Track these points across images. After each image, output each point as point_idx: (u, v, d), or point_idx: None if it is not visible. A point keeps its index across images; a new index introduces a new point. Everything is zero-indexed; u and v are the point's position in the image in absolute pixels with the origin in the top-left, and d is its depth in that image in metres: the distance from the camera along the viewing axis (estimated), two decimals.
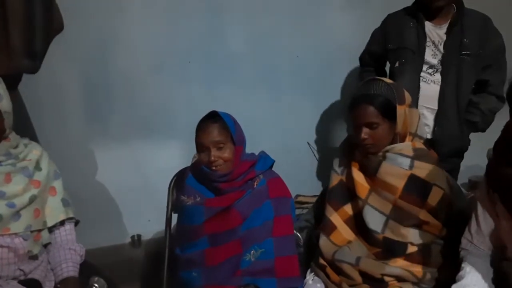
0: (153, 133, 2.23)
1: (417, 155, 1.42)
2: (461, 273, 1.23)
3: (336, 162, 1.59)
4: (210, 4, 2.23)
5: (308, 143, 2.52)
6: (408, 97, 1.47)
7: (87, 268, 1.44)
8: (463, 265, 1.23)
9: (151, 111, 2.22)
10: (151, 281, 2.08)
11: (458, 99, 1.86)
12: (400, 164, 1.42)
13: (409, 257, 1.41)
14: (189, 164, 1.74)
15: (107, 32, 2.11)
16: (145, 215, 2.24)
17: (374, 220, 1.45)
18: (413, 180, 1.40)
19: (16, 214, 1.33)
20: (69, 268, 1.38)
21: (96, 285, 1.31)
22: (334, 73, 2.45)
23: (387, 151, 1.44)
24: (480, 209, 1.20)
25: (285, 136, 2.41)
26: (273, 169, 1.61)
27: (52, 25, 1.51)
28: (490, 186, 1.17)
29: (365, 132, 1.41)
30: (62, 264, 1.39)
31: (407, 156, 1.43)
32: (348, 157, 1.53)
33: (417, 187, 1.40)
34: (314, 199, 2.34)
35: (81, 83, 2.12)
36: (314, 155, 2.53)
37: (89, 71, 2.12)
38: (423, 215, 1.40)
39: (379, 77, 1.50)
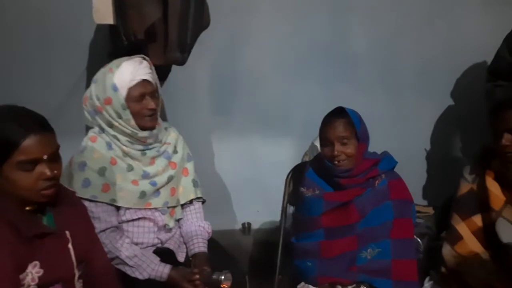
0: (270, 128, 2.34)
1: None
2: None
3: (467, 170, 1.50)
4: (337, 4, 2.26)
5: (425, 149, 2.40)
6: None
7: (214, 247, 1.56)
8: None
9: (270, 107, 2.33)
10: (259, 267, 2.17)
11: None
12: None
13: None
14: (299, 161, 1.80)
15: (237, 30, 2.27)
16: (255, 206, 2.35)
17: (509, 234, 1.34)
18: None
19: (156, 192, 1.49)
20: (200, 244, 1.51)
21: (223, 277, 1.35)
22: (461, 77, 2.30)
23: None
24: None
25: (401, 140, 2.32)
26: (395, 171, 1.58)
27: (203, 22, 1.67)
28: None
29: (507, 139, 1.32)
30: (193, 239, 1.53)
31: None
32: (483, 165, 1.44)
33: None
34: (428, 209, 2.23)
35: (210, 77, 2.32)
36: (433, 163, 2.40)
37: (218, 66, 2.31)
38: None
39: None
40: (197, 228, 1.56)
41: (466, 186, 1.48)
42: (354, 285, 1.45)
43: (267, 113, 2.35)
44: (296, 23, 2.31)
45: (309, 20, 2.30)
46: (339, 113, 1.52)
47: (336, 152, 1.48)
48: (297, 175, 1.74)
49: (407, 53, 2.32)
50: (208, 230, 1.58)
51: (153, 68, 1.48)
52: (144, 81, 1.42)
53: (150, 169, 1.49)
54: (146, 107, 1.43)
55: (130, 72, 1.41)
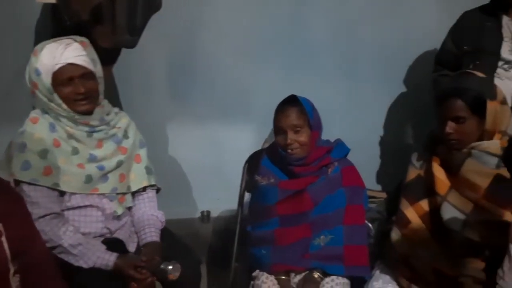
0: (230, 115, 2.31)
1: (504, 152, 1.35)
2: None
3: (415, 156, 1.55)
4: None
5: (380, 136, 2.46)
6: (500, 93, 1.39)
7: (167, 236, 1.54)
8: None
9: (230, 93, 2.30)
10: (217, 255, 2.18)
11: None
12: (486, 163, 1.35)
13: (488, 259, 1.35)
14: (260, 148, 1.80)
15: (195, 14, 2.21)
16: (215, 193, 2.33)
17: (453, 219, 1.40)
18: (499, 180, 1.33)
19: (104, 176, 1.45)
20: (152, 234, 1.48)
21: (171, 267, 1.33)
22: (415, 66, 2.36)
23: (473, 148, 1.38)
24: None
25: (357, 128, 2.36)
26: (347, 158, 1.61)
27: (153, 3, 1.61)
28: None
29: (450, 127, 1.37)
30: (145, 228, 1.50)
31: (494, 155, 1.36)
32: (429, 152, 1.49)
33: (503, 188, 1.32)
34: (381, 194, 2.30)
35: (168, 62, 2.25)
36: (386, 149, 2.47)
37: (176, 51, 2.24)
38: (508, 217, 1.33)
39: (471, 71, 1.44)
40: (149, 217, 1.52)
41: (414, 172, 1.52)
42: (307, 272, 1.48)
43: (227, 100, 2.33)
44: (257, 9, 2.28)
45: (270, 7, 2.27)
46: (292, 101, 1.53)
47: (289, 141, 1.49)
48: (254, 163, 1.75)
49: (365, 42, 2.34)
50: (161, 220, 1.55)
51: (89, 50, 1.41)
52: (71, 64, 1.36)
53: (98, 152, 1.44)
54: (75, 91, 1.38)
55: (53, 56, 1.35)
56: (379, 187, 2.45)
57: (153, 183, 1.57)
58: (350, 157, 1.64)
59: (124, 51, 1.82)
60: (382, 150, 2.48)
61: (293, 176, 1.54)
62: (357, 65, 2.35)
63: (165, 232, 1.54)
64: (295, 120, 1.49)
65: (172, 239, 1.54)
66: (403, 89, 2.42)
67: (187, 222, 2.34)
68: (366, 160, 2.45)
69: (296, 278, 1.49)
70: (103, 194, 1.44)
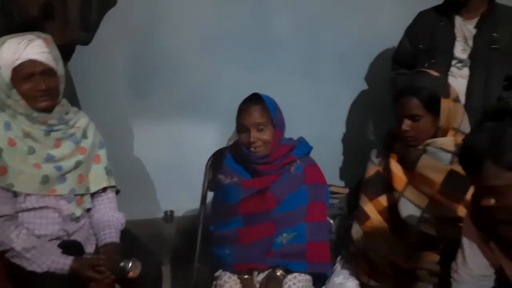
0: (193, 113, 2.29)
1: (458, 151, 1.40)
2: None
3: (374, 153, 1.58)
4: None
5: (343, 133, 2.51)
6: (454, 91, 1.45)
7: (127, 237, 1.50)
8: None
9: (193, 90, 2.27)
10: (181, 256, 2.15)
11: (486, 94, 1.83)
12: (440, 159, 1.40)
13: (443, 253, 1.40)
14: (225, 146, 1.78)
15: (156, 10, 2.16)
16: (179, 192, 2.30)
17: (409, 213, 1.44)
18: (453, 175, 1.38)
19: (62, 177, 1.40)
20: (112, 234, 1.45)
21: (130, 264, 1.32)
22: (377, 63, 2.41)
23: (428, 144, 1.42)
24: (466, 242, 1.21)
25: (321, 125, 2.40)
26: (310, 156, 1.62)
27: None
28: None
29: (406, 124, 1.40)
30: (105, 229, 1.46)
31: (448, 151, 1.41)
32: (387, 149, 1.53)
33: (456, 183, 1.38)
34: (345, 190, 2.34)
35: (127, 58, 2.20)
36: (349, 146, 2.52)
37: (136, 47, 2.19)
38: (461, 211, 1.38)
39: (425, 69, 1.48)
40: (109, 218, 1.49)
41: (373, 168, 1.56)
42: (270, 270, 1.48)
43: (190, 97, 2.30)
44: (218, 6, 2.26)
45: (231, 4, 2.26)
46: (255, 99, 1.52)
47: (252, 139, 1.48)
48: (217, 161, 1.73)
49: (327, 40, 2.37)
50: (121, 221, 1.51)
51: (52, 47, 1.37)
52: (33, 60, 1.32)
53: (55, 152, 1.39)
54: (35, 88, 1.33)
55: (14, 51, 1.31)
56: (342, 183, 2.49)
57: (113, 184, 1.53)
58: (313, 154, 1.65)
59: (81, 47, 1.76)
60: (345, 146, 2.53)
61: (256, 174, 1.53)
62: (319, 63, 2.38)
63: (125, 233, 1.50)
64: (258, 118, 1.49)
65: (132, 240, 1.50)
66: (364, 86, 2.47)
67: (150, 222, 2.30)
68: (329, 156, 2.49)
69: (259, 277, 1.49)
70: (60, 195, 1.39)
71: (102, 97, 2.17)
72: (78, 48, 1.77)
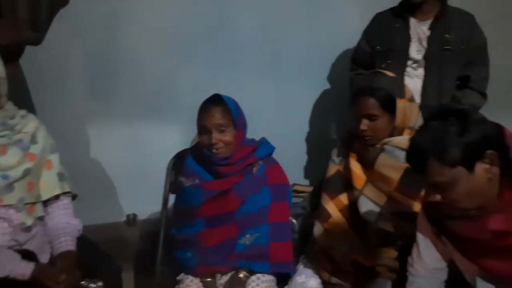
0: (156, 114, 2.24)
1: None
2: None
3: (334, 152, 1.61)
4: None
5: (307, 132, 2.53)
6: (408, 91, 1.49)
7: (85, 244, 1.46)
8: (407, 283, 1.28)
9: (155, 91, 2.23)
10: (145, 260, 2.11)
11: (440, 93, 1.90)
12: (397, 157, 1.44)
13: (401, 248, 1.44)
14: (189, 147, 1.76)
15: (115, 8, 2.10)
16: (142, 195, 2.25)
17: (369, 211, 1.47)
18: (409, 173, 1.41)
19: (10, 186, 1.33)
20: (68, 242, 1.39)
21: (93, 286, 1.29)
22: (338, 64, 2.45)
23: (385, 143, 1.46)
24: (420, 237, 1.25)
25: (286, 125, 2.41)
26: (272, 156, 1.63)
27: None
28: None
29: (364, 124, 1.43)
30: (60, 237, 1.40)
31: (404, 150, 1.43)
32: (347, 148, 1.56)
33: (412, 180, 1.42)
34: (310, 189, 2.37)
35: (85, 58, 2.12)
36: (313, 145, 2.55)
37: (95, 47, 2.12)
38: (417, 207, 1.43)
39: (382, 70, 1.52)
40: (64, 225, 1.42)
41: (333, 167, 1.58)
42: (233, 272, 1.48)
43: (152, 98, 2.25)
44: (181, 5, 2.23)
45: (194, 4, 2.23)
46: (216, 100, 1.51)
47: (214, 140, 1.47)
48: (179, 163, 1.71)
49: (290, 41, 2.38)
50: (78, 227, 1.46)
51: None
52: None
53: (2, 160, 1.32)
54: None
55: None
56: (307, 182, 2.52)
57: (66, 190, 1.47)
58: (278, 154, 1.66)
59: (37, 49, 1.68)
60: (309, 146, 2.56)
61: (218, 176, 1.52)
62: (282, 63, 2.39)
63: (82, 239, 1.45)
64: (220, 120, 1.48)
65: (90, 247, 1.45)
66: (326, 86, 2.50)
67: (112, 226, 2.24)
68: (294, 156, 2.52)
69: (222, 279, 1.48)
70: (9, 205, 1.32)
71: (58, 99, 2.09)
72: (33, 48, 1.69)
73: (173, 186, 1.68)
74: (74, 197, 1.52)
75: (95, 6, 2.06)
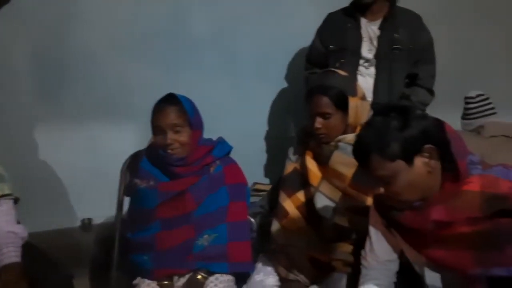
0: (110, 114, 2.18)
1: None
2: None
3: (291, 151, 1.63)
4: None
5: (266, 131, 2.55)
6: (360, 89, 1.53)
7: (32, 253, 1.38)
8: (361, 275, 1.33)
9: (108, 91, 2.16)
10: (100, 266, 2.04)
11: (391, 91, 1.97)
12: (350, 154, 1.44)
13: (356, 242, 1.48)
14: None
15: (66, 6, 2.03)
16: (97, 199, 2.18)
17: (324, 207, 1.50)
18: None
19: None
20: (11, 254, 1.32)
21: None
22: (295, 63, 2.47)
23: (339, 140, 1.49)
24: (372, 230, 1.30)
25: (245, 123, 2.41)
26: (232, 155, 1.61)
27: None
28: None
29: (318, 122, 1.46)
30: (2, 249, 1.33)
31: None
32: (303, 146, 1.57)
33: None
34: (268, 187, 2.39)
35: (34, 58, 2.03)
36: (273, 143, 2.56)
37: (44, 46, 2.03)
38: (370, 202, 1.46)
39: (334, 69, 1.55)
40: (6, 235, 1.35)
41: (290, 165, 1.60)
42: (191, 274, 1.46)
43: (105, 98, 2.18)
44: (134, 3, 2.18)
45: (148, 1, 2.18)
46: (171, 100, 1.49)
47: (169, 141, 1.44)
48: (133, 164, 1.66)
49: (247, 39, 2.38)
50: (22, 235, 1.38)
51: None
52: None
53: None
54: None
55: None
56: (268, 181, 2.53)
57: (6, 192, 1.39)
58: (238, 152, 1.65)
59: None
60: (269, 144, 2.57)
61: (174, 177, 1.50)
62: (240, 62, 2.38)
63: (29, 248, 1.38)
64: (175, 120, 1.45)
65: (37, 255, 1.38)
66: (284, 85, 2.52)
67: (66, 232, 2.16)
68: (254, 154, 2.52)
69: (179, 282, 1.46)
70: None
71: (6, 99, 1.99)
72: None
73: (127, 188, 1.64)
74: (16, 200, 1.44)
75: (45, 4, 1.97)
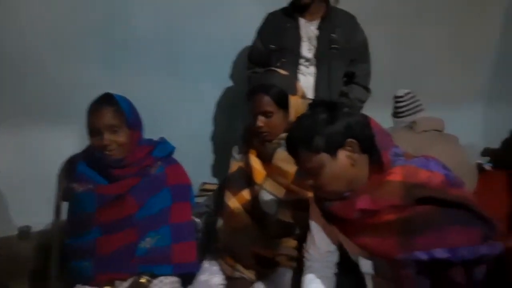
0: (47, 117, 2.06)
1: None
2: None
3: (235, 149, 1.63)
4: None
5: (212, 130, 2.53)
6: (300, 88, 1.56)
7: None
8: (304, 268, 1.37)
9: (45, 92, 2.04)
10: (39, 274, 1.94)
11: (330, 89, 2.03)
12: None
13: (299, 238, 1.51)
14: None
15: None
16: (35, 205, 2.07)
17: (268, 203, 1.52)
18: None
19: None
20: None
21: None
22: (241, 61, 2.47)
23: (282, 138, 1.51)
24: (312, 223, 1.35)
25: (190, 123, 2.39)
26: (178, 156, 1.59)
27: None
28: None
29: (260, 120, 1.47)
30: None
31: None
32: (247, 145, 1.58)
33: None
34: (216, 187, 2.38)
35: None
36: (219, 143, 2.55)
37: None
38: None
39: (275, 69, 1.57)
40: None
41: (235, 164, 1.61)
42: (134, 277, 1.42)
43: (43, 100, 2.06)
44: (73, 1, 2.08)
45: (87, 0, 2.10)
46: (107, 100, 1.44)
47: (105, 142, 1.40)
48: (71, 168, 1.59)
49: (190, 39, 2.34)
50: None
51: None
52: None
53: None
54: None
55: None
56: (216, 180, 2.52)
57: None
58: (185, 152, 1.63)
59: None
60: (216, 143, 2.55)
61: (113, 179, 1.45)
62: (183, 62, 2.34)
63: None
64: (111, 120, 1.41)
65: None
66: (228, 84, 2.51)
67: (3, 241, 2.03)
68: (201, 154, 2.50)
69: (122, 286, 1.42)
70: None
71: None
72: None
73: (65, 193, 1.57)
74: None
75: None
